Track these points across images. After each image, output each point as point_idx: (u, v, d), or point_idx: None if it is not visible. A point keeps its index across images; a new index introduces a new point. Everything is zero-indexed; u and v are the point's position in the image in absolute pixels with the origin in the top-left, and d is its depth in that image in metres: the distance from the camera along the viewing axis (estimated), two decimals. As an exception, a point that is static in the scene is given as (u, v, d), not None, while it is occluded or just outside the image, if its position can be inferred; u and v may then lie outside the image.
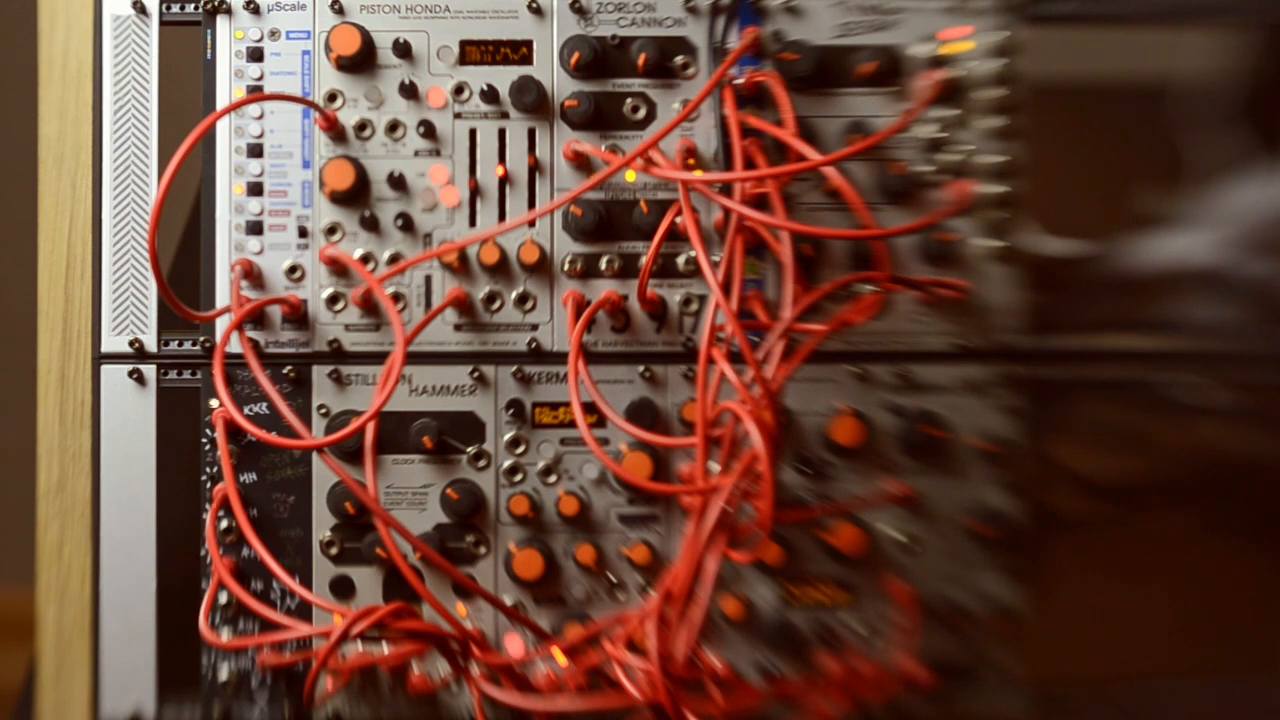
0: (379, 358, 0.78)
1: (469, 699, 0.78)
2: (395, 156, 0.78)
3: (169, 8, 0.79)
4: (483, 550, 0.78)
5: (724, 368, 0.71)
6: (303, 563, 0.78)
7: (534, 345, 0.78)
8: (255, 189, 0.78)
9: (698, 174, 0.77)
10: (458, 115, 0.78)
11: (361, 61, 0.78)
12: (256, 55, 0.78)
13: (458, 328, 0.79)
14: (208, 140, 0.78)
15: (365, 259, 0.78)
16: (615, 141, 0.79)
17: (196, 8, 0.78)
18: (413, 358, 0.78)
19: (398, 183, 0.78)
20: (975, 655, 0.79)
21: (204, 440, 0.78)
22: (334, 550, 0.78)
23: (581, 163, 0.78)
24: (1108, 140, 1.12)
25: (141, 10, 0.78)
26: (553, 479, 0.78)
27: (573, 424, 0.78)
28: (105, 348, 0.78)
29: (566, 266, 0.78)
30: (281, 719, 0.78)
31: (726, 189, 0.75)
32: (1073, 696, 0.88)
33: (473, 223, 0.79)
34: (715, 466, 0.72)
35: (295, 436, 0.71)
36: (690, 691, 0.72)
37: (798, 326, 0.74)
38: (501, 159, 0.79)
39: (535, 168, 0.79)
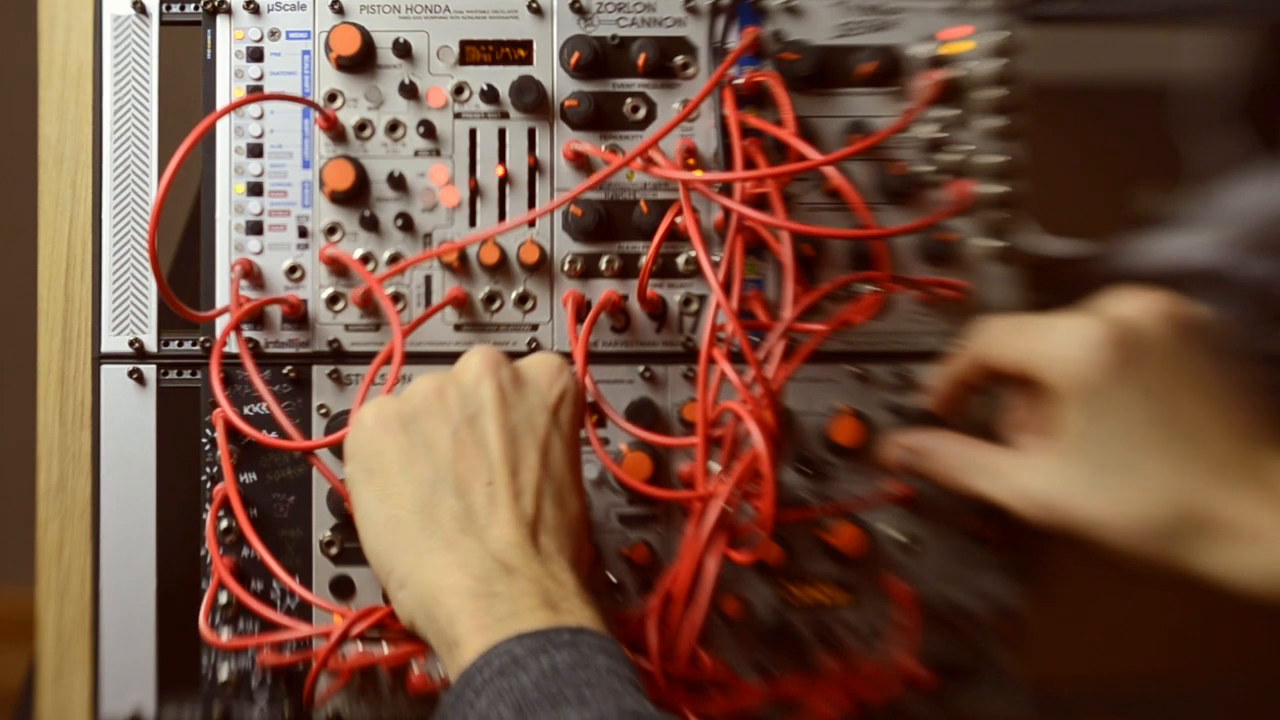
0: (379, 358, 0.78)
1: (469, 699, 0.78)
2: (395, 156, 0.78)
3: (169, 8, 0.79)
4: (483, 550, 0.78)
5: (724, 368, 0.71)
6: (303, 563, 0.78)
7: (534, 345, 0.78)
8: (255, 189, 0.78)
9: (698, 174, 0.77)
10: (458, 115, 0.78)
11: (361, 61, 0.78)
12: (256, 55, 0.78)
13: (458, 328, 0.79)
14: (208, 140, 0.78)
15: (365, 259, 0.78)
16: (615, 141, 0.79)
17: (196, 8, 0.78)
18: (413, 358, 0.78)
19: (398, 183, 0.78)
20: (975, 655, 0.79)
21: (204, 440, 0.78)
22: (334, 550, 0.78)
23: (581, 163, 0.78)
24: (1108, 140, 1.12)
25: (141, 10, 0.78)
26: (553, 479, 0.78)
27: (573, 424, 0.78)
28: (105, 348, 0.78)
29: (566, 266, 0.78)
30: (281, 719, 0.78)
31: (726, 189, 0.75)
32: (1073, 696, 0.88)
33: (473, 223, 0.79)
34: (716, 466, 0.72)
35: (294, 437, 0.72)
36: (690, 691, 0.72)
37: (798, 326, 0.74)
38: (501, 159, 0.79)
39: (535, 168, 0.79)
